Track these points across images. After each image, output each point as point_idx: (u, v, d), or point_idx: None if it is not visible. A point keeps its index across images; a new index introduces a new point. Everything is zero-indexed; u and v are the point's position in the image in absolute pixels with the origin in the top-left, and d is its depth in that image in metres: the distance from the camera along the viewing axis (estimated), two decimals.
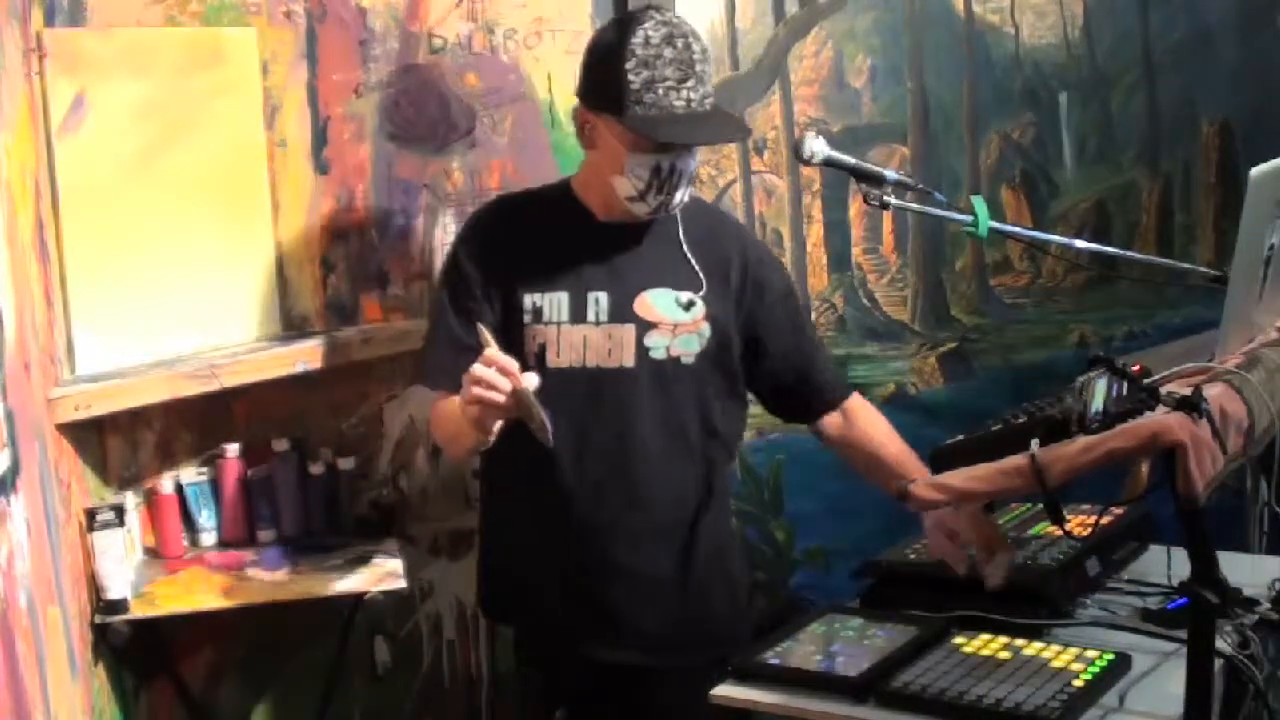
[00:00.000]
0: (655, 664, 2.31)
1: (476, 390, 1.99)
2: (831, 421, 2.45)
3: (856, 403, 2.48)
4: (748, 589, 2.58)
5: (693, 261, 2.31)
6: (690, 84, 2.15)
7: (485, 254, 2.31)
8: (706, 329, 2.31)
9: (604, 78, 2.17)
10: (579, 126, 2.27)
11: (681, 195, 2.23)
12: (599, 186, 2.28)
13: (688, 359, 2.30)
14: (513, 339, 2.25)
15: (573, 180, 2.37)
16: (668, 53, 2.14)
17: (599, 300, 2.28)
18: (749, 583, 2.66)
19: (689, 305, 2.29)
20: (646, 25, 2.16)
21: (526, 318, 2.28)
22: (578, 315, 2.27)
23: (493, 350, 2.01)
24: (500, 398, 1.98)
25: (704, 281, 2.30)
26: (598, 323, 2.27)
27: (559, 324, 2.27)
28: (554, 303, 2.28)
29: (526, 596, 2.38)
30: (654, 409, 2.28)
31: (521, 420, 2.01)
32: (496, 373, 1.99)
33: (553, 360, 2.27)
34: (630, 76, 2.14)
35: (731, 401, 2.40)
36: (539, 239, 2.31)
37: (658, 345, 2.28)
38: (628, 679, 2.34)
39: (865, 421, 2.45)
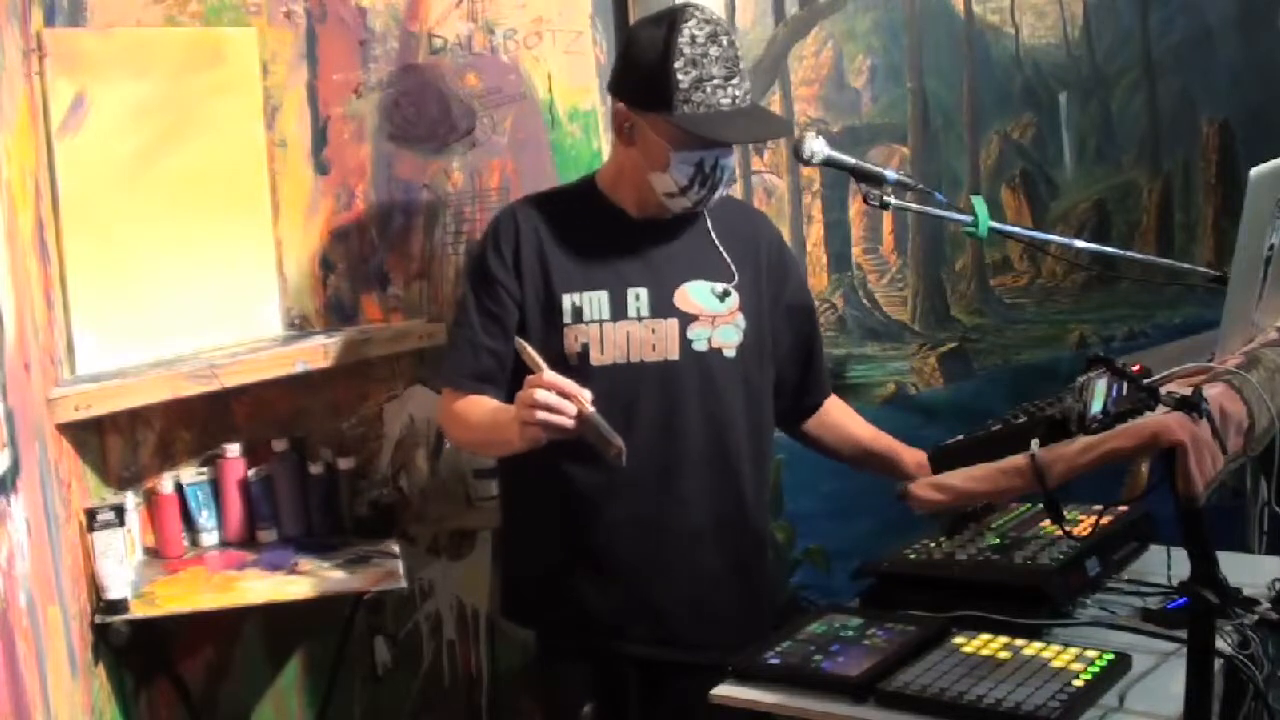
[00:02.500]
0: (695, 660, 2.28)
1: (542, 415, 2.05)
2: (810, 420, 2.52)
3: (831, 400, 2.55)
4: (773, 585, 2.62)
5: (724, 253, 2.34)
6: (735, 81, 2.19)
7: (515, 257, 2.32)
8: (741, 320, 2.33)
9: (650, 77, 2.19)
10: (617, 125, 2.27)
11: (722, 191, 2.28)
12: (633, 183, 2.30)
13: (729, 351, 2.32)
14: (551, 340, 2.26)
15: (598, 178, 2.38)
16: (714, 51, 2.17)
17: (639, 296, 2.29)
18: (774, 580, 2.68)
19: (724, 295, 2.32)
20: (690, 24, 2.18)
21: (566, 318, 2.28)
22: (618, 312, 2.28)
23: (551, 374, 2.07)
24: (567, 422, 2.05)
25: (735, 272, 2.33)
26: (639, 318, 2.28)
27: (600, 322, 2.28)
28: (594, 301, 2.28)
29: (562, 592, 2.35)
30: (700, 401, 2.30)
31: (587, 440, 2.06)
32: (558, 396, 2.04)
33: (596, 358, 2.27)
34: (679, 76, 2.16)
35: (771, 399, 2.42)
36: (571, 238, 2.32)
37: (699, 337, 2.30)
38: (661, 674, 2.34)
39: (838, 411, 2.53)
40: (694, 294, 2.31)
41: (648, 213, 2.31)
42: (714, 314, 2.31)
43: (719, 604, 2.35)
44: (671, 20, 2.19)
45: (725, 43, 2.19)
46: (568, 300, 2.29)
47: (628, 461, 2.13)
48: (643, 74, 2.21)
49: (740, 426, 2.34)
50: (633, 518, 2.29)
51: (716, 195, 2.28)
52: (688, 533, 2.31)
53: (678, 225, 2.33)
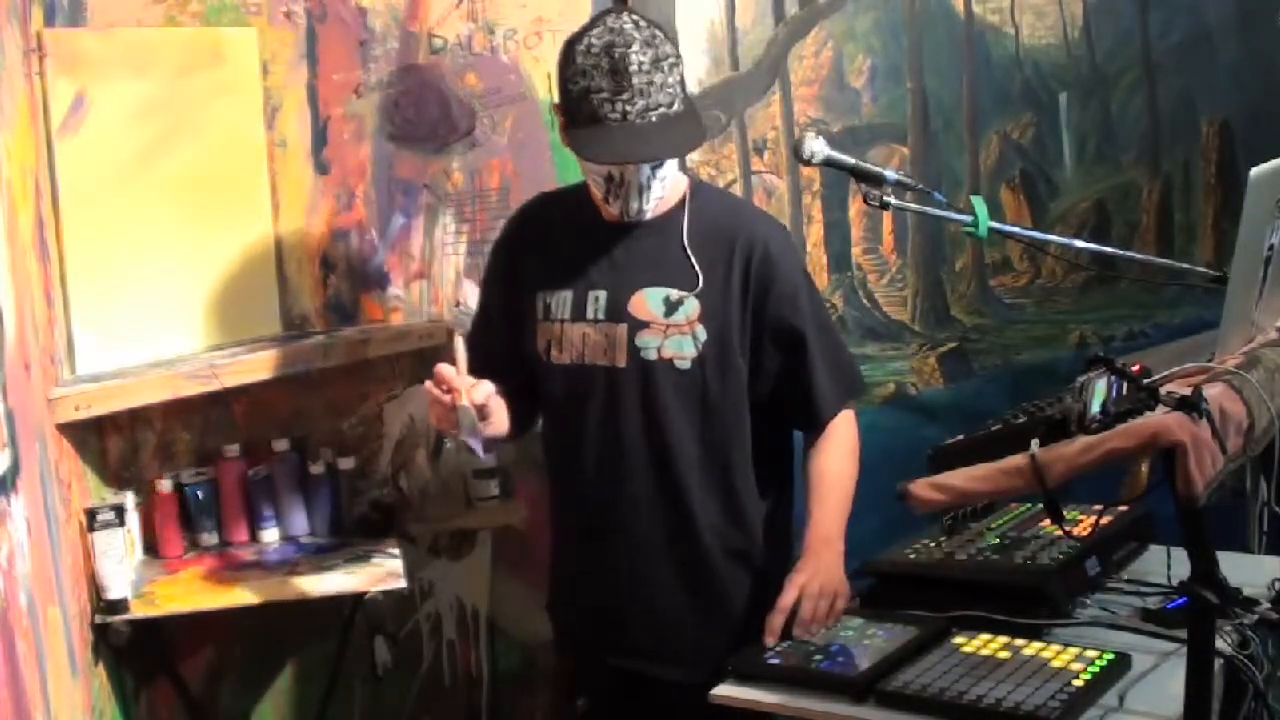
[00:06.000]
0: (658, 673, 2.28)
1: (431, 402, 2.15)
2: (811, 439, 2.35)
3: (833, 425, 2.34)
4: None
5: (691, 258, 2.23)
6: (626, 96, 2.09)
7: (511, 252, 2.37)
8: (701, 331, 2.23)
9: (558, 84, 2.18)
10: (560, 128, 2.24)
11: (638, 203, 2.19)
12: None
13: (682, 363, 2.23)
14: (529, 335, 2.31)
15: None
16: (604, 63, 2.09)
17: (598, 298, 2.26)
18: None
19: (676, 305, 2.23)
20: (593, 32, 2.13)
21: (539, 315, 2.30)
22: (578, 313, 2.27)
23: (442, 365, 2.14)
24: (440, 411, 2.14)
25: (700, 279, 2.23)
26: (595, 321, 2.26)
27: (562, 321, 2.28)
28: (560, 300, 2.29)
29: (559, 592, 2.44)
30: (641, 411, 2.24)
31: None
32: (439, 389, 2.12)
33: (555, 357, 2.29)
34: (569, 86, 2.13)
35: (741, 414, 2.28)
36: (558, 238, 2.32)
37: (648, 346, 2.23)
38: (641, 682, 2.31)
39: (825, 448, 2.34)
40: (649, 300, 2.24)
41: (614, 216, 2.26)
42: (666, 323, 2.23)
43: (673, 616, 2.28)
44: (585, 27, 2.16)
45: (619, 55, 2.08)
46: (541, 298, 2.31)
47: (585, 465, 2.26)
48: (556, 80, 2.20)
49: (687, 440, 2.24)
50: (587, 522, 2.30)
51: (634, 208, 2.19)
52: (635, 541, 2.27)
53: (652, 228, 2.25)
